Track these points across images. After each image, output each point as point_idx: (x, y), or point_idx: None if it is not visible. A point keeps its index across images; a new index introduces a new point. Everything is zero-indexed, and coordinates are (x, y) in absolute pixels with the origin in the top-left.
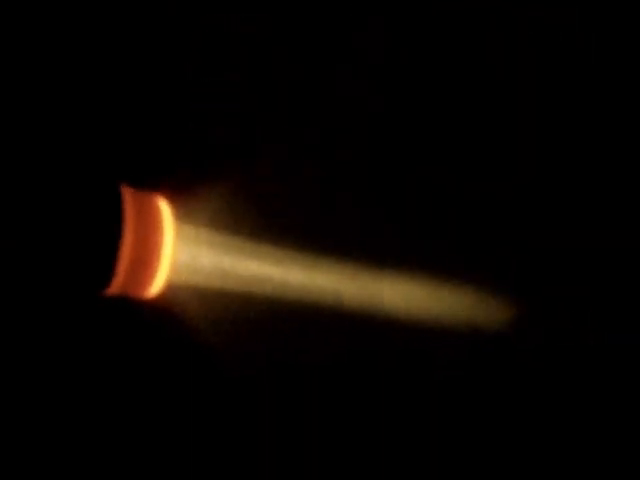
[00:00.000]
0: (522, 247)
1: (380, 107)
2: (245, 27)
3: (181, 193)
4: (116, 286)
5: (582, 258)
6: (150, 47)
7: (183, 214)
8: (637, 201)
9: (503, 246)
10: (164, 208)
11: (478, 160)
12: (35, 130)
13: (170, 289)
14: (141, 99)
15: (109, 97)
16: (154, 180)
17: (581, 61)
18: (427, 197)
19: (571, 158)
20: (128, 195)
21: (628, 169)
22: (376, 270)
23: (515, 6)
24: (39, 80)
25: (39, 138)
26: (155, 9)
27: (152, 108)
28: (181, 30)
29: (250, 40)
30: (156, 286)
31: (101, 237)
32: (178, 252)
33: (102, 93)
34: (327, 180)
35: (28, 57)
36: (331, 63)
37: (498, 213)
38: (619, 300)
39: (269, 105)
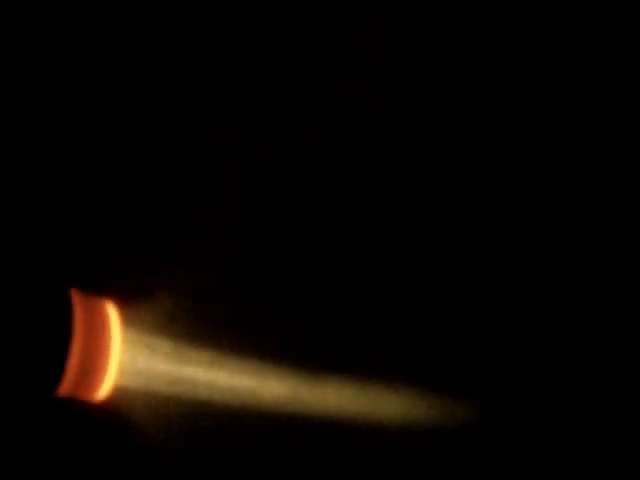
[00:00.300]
0: (522, 247)
1: (380, 107)
2: (245, 27)
3: (129, 298)
4: (65, 388)
5: (582, 258)
6: (150, 47)
7: (130, 319)
8: (637, 201)
9: (503, 246)
10: (112, 313)
11: (478, 160)
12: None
13: (117, 392)
14: (139, 99)
15: (106, 97)
16: (103, 283)
17: (581, 61)
18: (427, 197)
19: (571, 158)
20: (77, 300)
21: (628, 169)
22: (322, 374)
23: (515, 6)
24: (31, 80)
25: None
26: (155, 9)
27: (151, 108)
28: (181, 30)
29: (250, 40)
30: (104, 389)
31: (50, 341)
32: (125, 357)
33: (99, 94)
34: (273, 284)
35: (26, 56)
36: (331, 63)
37: (498, 213)
38: (619, 300)
39: (269, 105)
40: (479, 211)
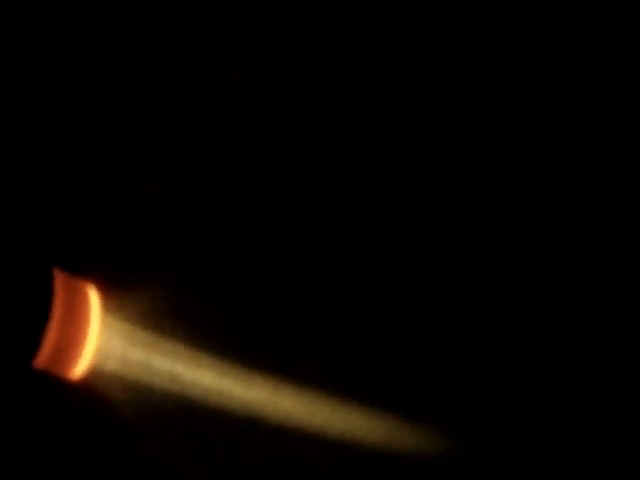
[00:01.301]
0: (522, 247)
1: (380, 107)
2: (245, 27)
3: (113, 285)
4: (42, 361)
5: (582, 258)
6: (150, 47)
7: (112, 305)
8: (637, 201)
9: (503, 246)
10: (93, 296)
11: (478, 160)
12: None
13: (93, 373)
14: (139, 99)
15: (106, 97)
16: (88, 267)
17: (581, 61)
18: (427, 197)
19: (571, 158)
20: (59, 278)
21: (628, 169)
22: (300, 382)
23: (515, 6)
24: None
25: None
26: (155, 9)
27: (150, 108)
28: (181, 30)
29: (250, 40)
30: (79, 367)
31: (29, 313)
32: (102, 340)
33: (99, 93)
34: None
35: (26, 56)
36: (331, 63)
37: (498, 213)
38: (619, 301)
39: (269, 105)
40: (479, 211)
